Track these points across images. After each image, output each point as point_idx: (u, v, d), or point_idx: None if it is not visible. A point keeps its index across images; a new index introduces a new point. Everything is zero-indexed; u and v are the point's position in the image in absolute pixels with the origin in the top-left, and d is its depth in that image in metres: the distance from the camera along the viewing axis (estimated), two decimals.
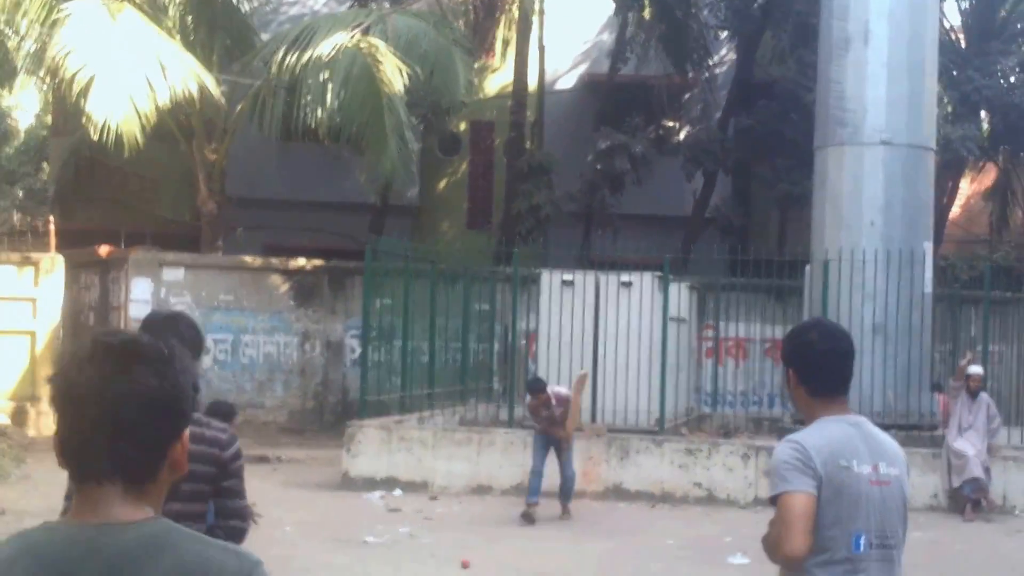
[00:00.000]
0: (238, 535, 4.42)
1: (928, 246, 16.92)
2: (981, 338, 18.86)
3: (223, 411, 8.09)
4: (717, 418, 18.64)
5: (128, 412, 2.08)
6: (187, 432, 2.18)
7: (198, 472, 4.17)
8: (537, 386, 13.61)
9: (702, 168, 26.22)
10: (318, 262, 22.62)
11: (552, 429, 13.44)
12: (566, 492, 13.72)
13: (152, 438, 2.12)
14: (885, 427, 4.44)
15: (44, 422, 19.69)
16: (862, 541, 3.90)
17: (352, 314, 21.39)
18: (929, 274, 16.79)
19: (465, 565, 9.80)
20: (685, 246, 24.66)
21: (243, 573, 2.10)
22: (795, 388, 4.12)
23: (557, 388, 13.80)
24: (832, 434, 3.98)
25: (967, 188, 31.67)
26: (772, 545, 3.93)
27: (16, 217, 25.41)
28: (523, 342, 19.49)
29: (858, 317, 15.62)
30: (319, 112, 20.86)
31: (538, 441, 13.61)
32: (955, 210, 30.06)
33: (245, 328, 21.90)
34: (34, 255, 21.41)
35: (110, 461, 2.09)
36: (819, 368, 4.07)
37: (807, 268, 17.40)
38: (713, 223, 26.29)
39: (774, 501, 3.92)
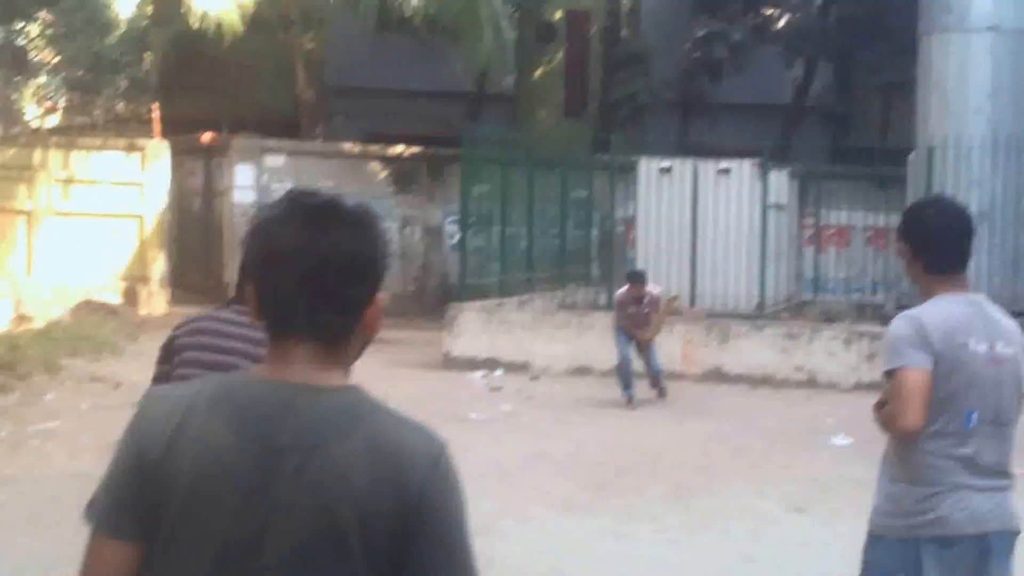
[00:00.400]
0: None
1: None
2: None
3: None
4: (818, 304, 18.60)
5: (328, 274, 2.09)
6: (381, 296, 2.17)
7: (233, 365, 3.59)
8: (638, 278, 13.60)
9: (802, 56, 25.82)
10: (416, 149, 22.80)
11: (633, 328, 13.45)
12: (656, 382, 13.84)
13: (349, 300, 2.12)
14: None
15: (155, 302, 20.28)
16: (974, 417, 3.92)
17: (450, 200, 21.55)
18: None
19: None
20: (785, 134, 24.41)
21: (433, 454, 2.10)
22: (911, 264, 4.12)
23: (652, 286, 13.77)
24: (949, 311, 3.98)
25: None
26: (887, 418, 3.97)
27: (120, 105, 25.80)
28: (621, 229, 19.55)
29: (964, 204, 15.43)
30: (413, 1, 20.83)
31: (621, 334, 13.59)
32: None
33: None
34: (140, 141, 21.83)
35: (308, 321, 2.10)
36: (937, 244, 4.06)
37: (911, 156, 17.19)
38: (814, 111, 25.95)
39: (889, 375, 3.95)
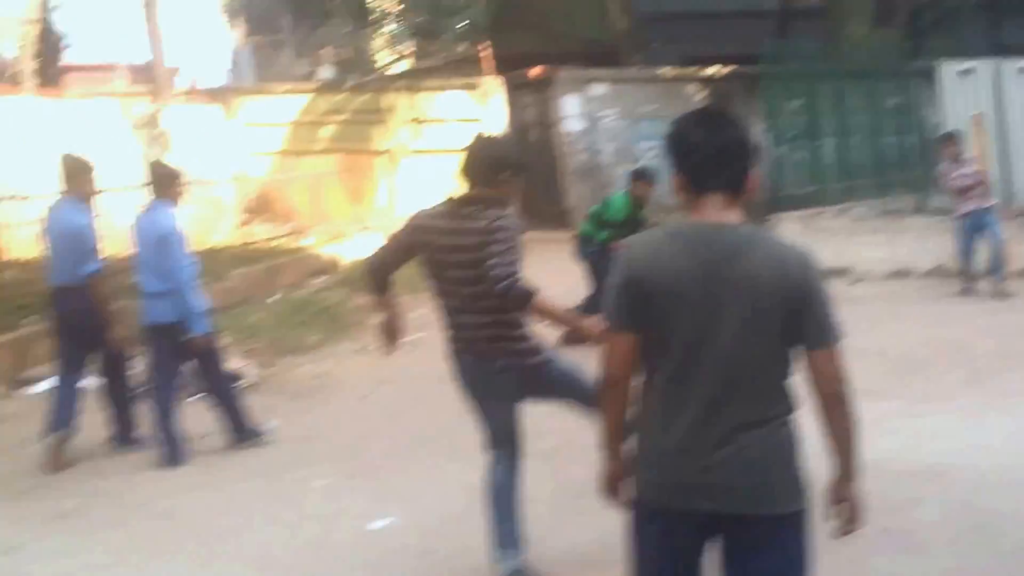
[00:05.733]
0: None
1: None
2: None
3: (646, 175, 11.98)
4: None
5: (726, 153, 3.43)
6: (756, 168, 3.49)
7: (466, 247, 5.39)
8: (947, 137, 14.38)
9: None
10: (728, 69, 23.66)
11: (964, 199, 14.00)
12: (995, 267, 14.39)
13: (741, 167, 3.46)
14: None
15: None
16: None
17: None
18: None
19: None
20: None
21: (803, 259, 3.43)
22: None
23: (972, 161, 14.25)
24: None
25: None
26: None
27: (458, 47, 27.74)
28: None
29: None
30: None
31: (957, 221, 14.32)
32: None
33: None
34: (475, 80, 23.61)
35: (719, 181, 3.44)
36: None
37: None
38: None
39: None
